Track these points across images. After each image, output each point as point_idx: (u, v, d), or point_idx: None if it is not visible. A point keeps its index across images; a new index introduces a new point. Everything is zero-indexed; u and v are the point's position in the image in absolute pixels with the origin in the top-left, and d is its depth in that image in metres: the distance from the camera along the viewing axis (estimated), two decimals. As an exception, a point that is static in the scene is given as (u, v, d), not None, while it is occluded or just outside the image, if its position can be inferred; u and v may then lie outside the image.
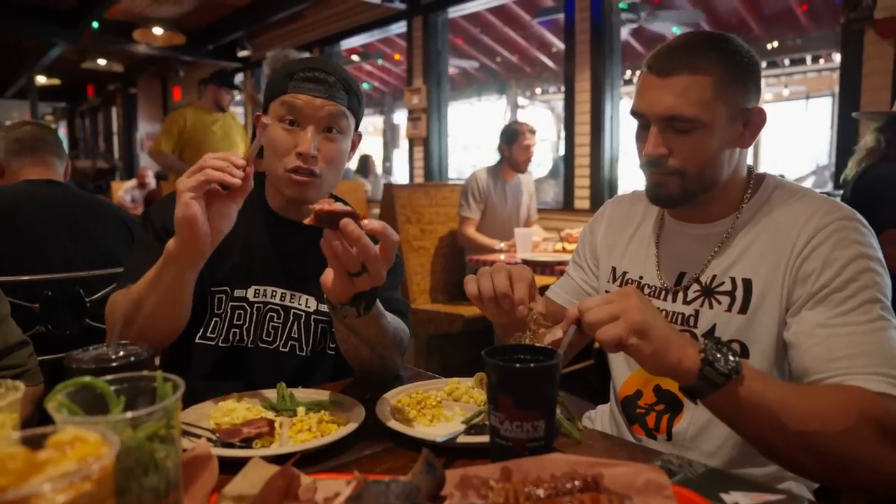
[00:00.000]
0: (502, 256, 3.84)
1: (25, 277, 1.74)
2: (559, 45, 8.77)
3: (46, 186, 1.97)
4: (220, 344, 1.36)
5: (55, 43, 9.21)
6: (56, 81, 13.37)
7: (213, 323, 1.37)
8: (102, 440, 0.57)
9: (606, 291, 1.38)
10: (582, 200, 5.02)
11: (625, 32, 7.19)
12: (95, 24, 8.26)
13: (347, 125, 1.36)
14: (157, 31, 8.78)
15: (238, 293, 1.38)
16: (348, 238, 0.96)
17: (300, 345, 1.40)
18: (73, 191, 2.04)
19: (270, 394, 1.14)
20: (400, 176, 9.40)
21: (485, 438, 0.92)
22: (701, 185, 1.21)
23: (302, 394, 1.15)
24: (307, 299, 1.41)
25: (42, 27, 8.48)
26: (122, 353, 0.88)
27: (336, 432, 0.97)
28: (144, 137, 12.45)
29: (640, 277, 1.34)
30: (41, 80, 12.46)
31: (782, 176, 1.31)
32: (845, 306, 1.07)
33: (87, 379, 0.73)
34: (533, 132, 4.17)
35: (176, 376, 0.74)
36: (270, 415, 1.05)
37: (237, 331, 1.37)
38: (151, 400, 0.77)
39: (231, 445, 0.95)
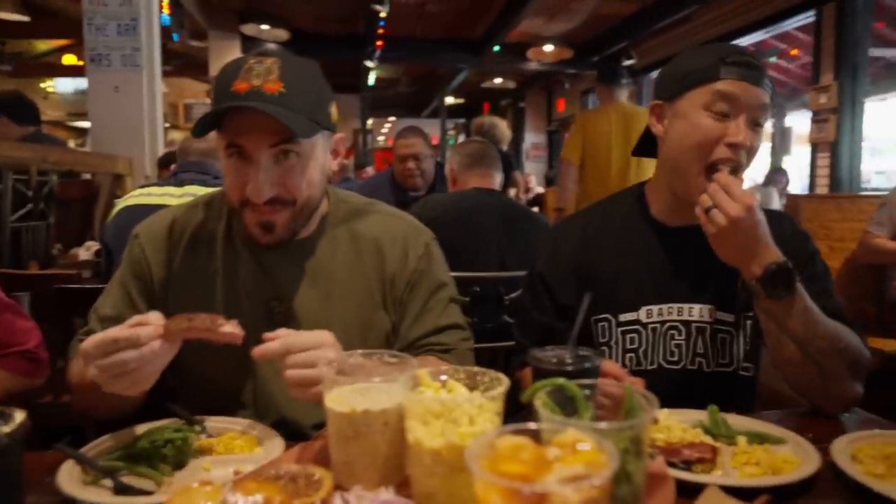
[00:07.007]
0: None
1: (456, 273, 2.00)
2: None
3: (489, 195, 2.28)
4: None
5: (462, 68, 10.55)
6: (460, 101, 15.32)
7: (601, 354, 1.33)
8: (599, 448, 0.60)
9: None
10: None
11: None
12: (496, 48, 9.20)
13: (767, 119, 1.28)
14: (548, 48, 9.40)
15: (626, 317, 1.35)
16: None
17: (707, 361, 1.33)
18: (511, 200, 2.32)
19: (700, 414, 1.10)
20: (793, 185, 8.45)
21: None
22: None
23: (736, 421, 1.07)
24: (704, 309, 1.33)
25: (454, 55, 9.81)
26: (577, 358, 0.93)
27: (793, 472, 0.88)
28: (530, 147, 13.47)
29: None
30: (449, 100, 14.39)
31: None
32: None
33: (562, 381, 0.78)
34: None
35: (647, 391, 0.75)
36: (708, 439, 1.00)
37: (633, 355, 1.34)
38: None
39: (669, 464, 0.93)
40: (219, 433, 1.07)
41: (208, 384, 1.24)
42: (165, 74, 6.25)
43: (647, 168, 4.00)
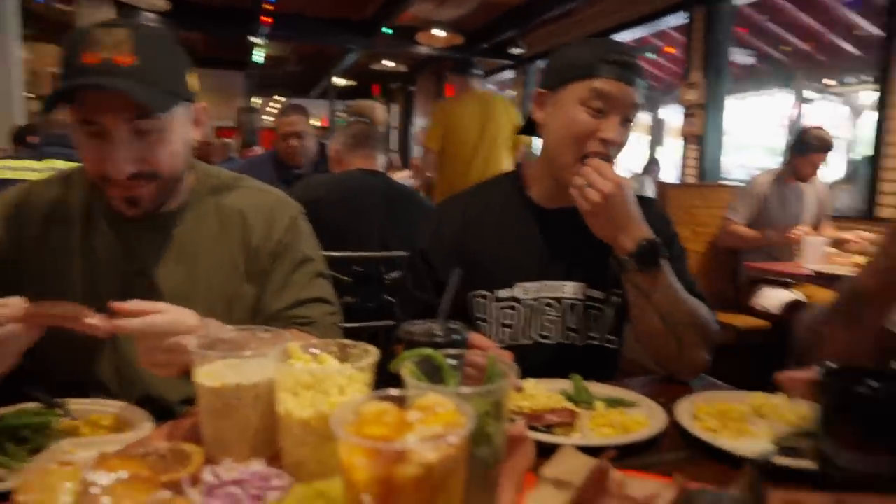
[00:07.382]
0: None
1: (338, 254, 2.01)
2: (868, 27, 7.68)
3: (373, 176, 2.29)
4: None
5: (352, 49, 10.42)
6: (351, 83, 15.09)
7: (479, 328, 1.40)
8: (458, 410, 0.64)
9: None
10: (889, 209, 4.34)
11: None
12: (387, 30, 9.15)
13: (636, 115, 1.36)
14: (439, 33, 9.42)
15: (503, 294, 1.40)
16: None
17: (578, 336, 1.41)
18: (393, 181, 2.34)
19: (564, 383, 1.17)
20: (666, 175, 9.02)
21: (806, 464, 0.84)
22: None
23: (597, 388, 1.16)
24: (576, 286, 1.41)
25: (343, 36, 9.68)
26: (446, 331, 0.96)
27: (641, 431, 0.96)
28: (419, 131, 13.53)
29: None
30: (340, 81, 14.14)
31: None
32: None
33: (429, 351, 0.81)
34: (826, 150, 3.76)
35: (509, 360, 0.79)
36: (569, 405, 1.08)
37: (509, 330, 1.40)
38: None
39: (533, 428, 0.99)
40: (83, 415, 1.03)
41: (67, 363, 1.18)
42: (26, 39, 5.74)
43: (501, 154, 4.20)
